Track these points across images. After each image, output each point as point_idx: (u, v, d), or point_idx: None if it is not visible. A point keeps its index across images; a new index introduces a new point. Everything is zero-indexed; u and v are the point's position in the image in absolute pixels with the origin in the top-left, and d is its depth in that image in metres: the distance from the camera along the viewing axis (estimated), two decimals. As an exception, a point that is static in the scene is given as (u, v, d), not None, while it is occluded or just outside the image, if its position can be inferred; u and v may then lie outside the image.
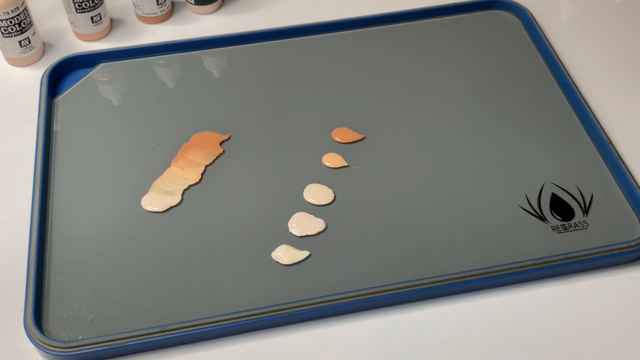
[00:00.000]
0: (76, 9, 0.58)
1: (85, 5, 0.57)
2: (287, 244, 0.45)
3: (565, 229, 0.46)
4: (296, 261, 0.44)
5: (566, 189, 0.48)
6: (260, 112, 0.53)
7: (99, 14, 0.59)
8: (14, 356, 0.41)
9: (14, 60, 0.58)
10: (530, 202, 0.47)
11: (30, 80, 0.57)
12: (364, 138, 0.51)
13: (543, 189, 0.48)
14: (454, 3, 0.61)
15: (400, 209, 0.47)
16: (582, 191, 0.48)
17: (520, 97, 0.54)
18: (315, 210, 0.47)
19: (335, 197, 0.48)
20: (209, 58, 0.58)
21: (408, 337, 0.42)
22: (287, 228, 0.46)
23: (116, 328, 0.41)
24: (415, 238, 0.45)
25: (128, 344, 0.40)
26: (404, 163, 0.50)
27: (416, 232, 0.46)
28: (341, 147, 0.51)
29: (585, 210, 0.47)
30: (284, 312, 0.41)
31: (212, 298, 0.43)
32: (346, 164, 0.50)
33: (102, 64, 0.57)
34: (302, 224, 0.46)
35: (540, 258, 0.44)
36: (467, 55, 0.57)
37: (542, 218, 0.46)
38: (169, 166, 0.49)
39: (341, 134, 0.51)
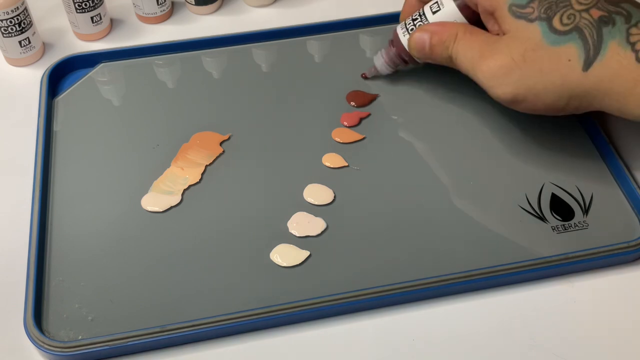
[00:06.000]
0: (76, 9, 0.58)
1: (85, 5, 0.57)
2: (287, 243, 0.45)
3: (565, 229, 0.46)
4: (296, 261, 0.44)
5: (566, 189, 0.48)
6: (260, 112, 0.53)
7: (99, 14, 0.59)
8: (14, 356, 0.41)
9: (14, 60, 0.58)
10: (530, 202, 0.47)
11: (30, 80, 0.57)
12: (364, 138, 0.51)
13: (543, 189, 0.48)
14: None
15: (400, 209, 0.47)
16: (582, 191, 0.48)
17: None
18: (315, 210, 0.47)
19: (335, 197, 0.48)
20: (209, 58, 0.58)
21: (408, 337, 0.42)
22: (287, 228, 0.46)
23: (116, 328, 0.41)
24: (415, 238, 0.45)
25: (128, 344, 0.40)
26: (404, 163, 0.50)
27: (416, 232, 0.46)
28: (341, 147, 0.51)
29: (585, 210, 0.47)
30: (284, 312, 0.41)
31: (212, 298, 0.43)
32: (346, 164, 0.50)
33: (102, 64, 0.57)
34: (302, 224, 0.46)
35: (540, 258, 0.44)
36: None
37: (542, 218, 0.46)
38: (169, 166, 0.49)
39: (341, 134, 0.51)
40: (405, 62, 0.53)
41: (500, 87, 0.45)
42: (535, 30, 0.43)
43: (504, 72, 0.44)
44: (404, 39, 0.51)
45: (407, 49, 0.51)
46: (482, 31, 0.47)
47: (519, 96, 0.44)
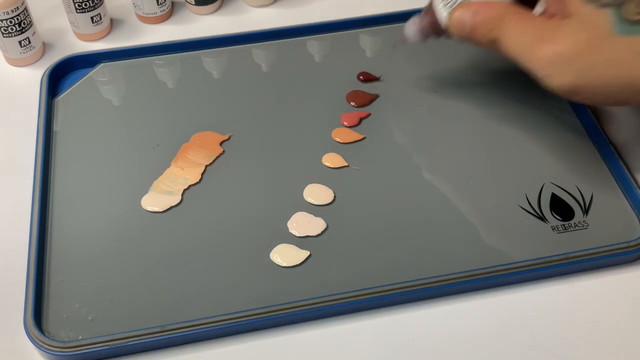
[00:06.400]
0: (76, 9, 0.58)
1: (85, 5, 0.57)
2: (287, 243, 0.45)
3: (565, 229, 0.46)
4: (296, 261, 0.44)
5: (566, 189, 0.48)
6: (260, 112, 0.53)
7: (99, 14, 0.59)
8: (14, 356, 0.41)
9: (14, 60, 0.58)
10: (530, 202, 0.47)
11: (30, 80, 0.57)
12: (364, 138, 0.51)
13: (543, 189, 0.48)
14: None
15: (400, 209, 0.47)
16: (582, 191, 0.48)
17: (520, 97, 0.54)
18: (315, 210, 0.47)
19: (335, 197, 0.48)
20: (209, 58, 0.58)
21: (408, 337, 0.42)
22: (287, 228, 0.46)
23: (116, 328, 0.41)
24: (415, 238, 0.45)
25: (128, 344, 0.40)
26: (404, 163, 0.50)
27: (416, 232, 0.46)
28: (341, 147, 0.51)
29: (585, 210, 0.47)
30: (284, 312, 0.41)
31: (212, 298, 0.43)
32: (346, 164, 0.50)
33: (102, 64, 0.57)
34: (302, 224, 0.46)
35: (540, 258, 0.44)
36: (467, 56, 0.57)
37: (542, 218, 0.46)
38: (169, 166, 0.49)
39: (341, 134, 0.51)
40: (438, 34, 0.48)
41: (559, 76, 0.41)
42: (606, 18, 0.39)
43: (564, 59, 0.40)
44: (442, 13, 0.46)
45: (444, 25, 0.47)
46: (533, 14, 0.43)
47: (579, 87, 0.40)
